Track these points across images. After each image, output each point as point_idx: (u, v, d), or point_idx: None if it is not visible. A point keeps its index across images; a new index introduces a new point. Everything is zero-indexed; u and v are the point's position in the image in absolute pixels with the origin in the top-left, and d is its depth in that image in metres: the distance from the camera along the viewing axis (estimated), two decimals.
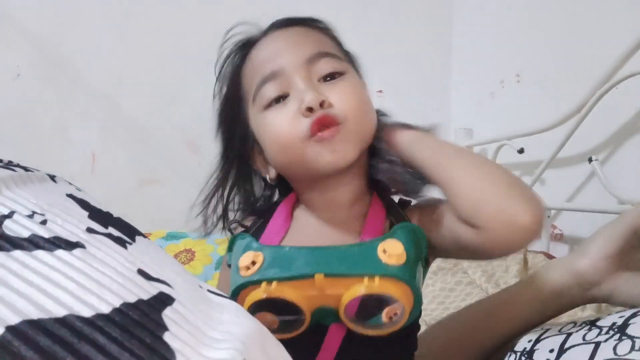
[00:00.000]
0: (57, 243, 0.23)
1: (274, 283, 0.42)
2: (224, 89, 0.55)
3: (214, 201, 0.56)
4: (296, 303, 0.42)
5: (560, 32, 1.05)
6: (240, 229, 0.55)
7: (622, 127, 0.86)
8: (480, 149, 1.30)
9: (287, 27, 0.52)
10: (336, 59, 0.49)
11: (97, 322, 0.20)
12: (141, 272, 0.24)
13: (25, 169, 0.30)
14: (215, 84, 0.56)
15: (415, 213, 0.51)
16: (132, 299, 0.22)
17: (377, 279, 0.40)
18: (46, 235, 0.23)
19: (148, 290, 0.23)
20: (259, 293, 0.42)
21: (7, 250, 0.21)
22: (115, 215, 0.30)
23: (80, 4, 1.22)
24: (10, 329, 0.18)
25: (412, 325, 0.47)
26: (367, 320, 0.42)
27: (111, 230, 0.27)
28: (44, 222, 0.24)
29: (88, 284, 0.21)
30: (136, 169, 1.26)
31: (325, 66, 0.48)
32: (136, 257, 0.25)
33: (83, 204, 0.29)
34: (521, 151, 1.03)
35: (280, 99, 0.48)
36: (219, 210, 0.56)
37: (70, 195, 0.29)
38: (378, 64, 1.39)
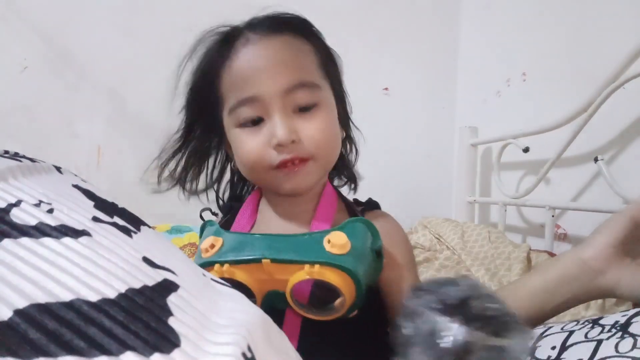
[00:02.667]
0: (64, 231, 0.23)
1: (226, 265, 0.45)
2: (197, 79, 0.57)
3: (172, 163, 0.61)
4: (247, 284, 0.45)
5: (567, 31, 1.04)
6: (214, 218, 0.61)
7: (629, 126, 0.85)
8: (485, 147, 1.30)
9: (269, 36, 0.52)
10: (312, 89, 0.51)
11: (103, 306, 0.20)
12: (146, 260, 0.24)
13: (32, 160, 0.31)
14: (183, 65, 0.57)
15: (375, 218, 0.55)
16: (137, 284, 0.22)
17: (317, 266, 0.43)
18: (53, 223, 0.23)
19: (153, 277, 0.23)
20: (212, 274, 0.45)
21: (15, 237, 0.22)
22: (120, 205, 0.30)
23: None
24: (18, 312, 0.19)
25: (369, 309, 0.49)
26: (318, 307, 0.45)
27: (116, 219, 0.27)
28: (50, 211, 0.24)
29: (94, 270, 0.21)
30: (141, 162, 1.26)
31: (302, 97, 0.51)
32: (141, 246, 0.25)
33: (88, 194, 0.29)
34: (526, 150, 1.02)
35: (255, 120, 0.52)
36: (177, 173, 0.61)
37: (76, 186, 0.29)
38: (384, 62, 1.39)
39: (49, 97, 1.20)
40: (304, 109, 0.51)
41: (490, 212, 1.31)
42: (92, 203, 0.28)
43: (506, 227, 1.11)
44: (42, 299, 0.19)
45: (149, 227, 0.29)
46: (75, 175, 0.33)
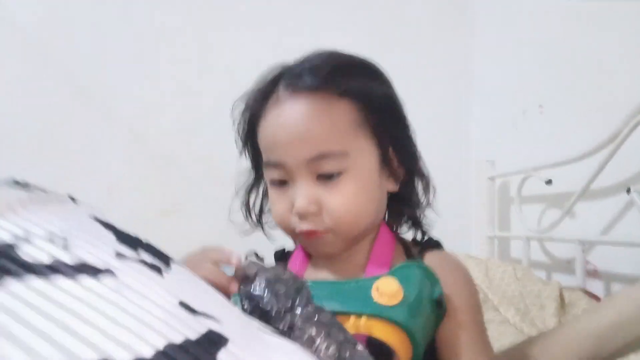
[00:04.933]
0: (83, 270, 0.19)
1: (363, 318, 0.40)
2: (243, 127, 0.55)
3: (251, 202, 0.59)
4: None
5: (584, 61, 1.03)
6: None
7: None
8: (501, 181, 1.26)
9: (298, 94, 0.48)
10: (337, 158, 0.48)
11: None
12: (184, 305, 0.20)
13: (44, 190, 0.27)
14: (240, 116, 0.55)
15: (435, 260, 0.50)
16: (177, 338, 0.18)
17: (364, 318, 0.38)
18: (69, 261, 0.19)
19: (194, 328, 0.19)
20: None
21: (23, 278, 0.18)
22: (144, 240, 0.26)
23: (113, 35, 1.24)
24: None
25: None
26: None
27: (143, 255, 0.23)
28: (65, 246, 0.21)
29: (123, 319, 0.17)
30: (157, 198, 1.24)
31: (325, 167, 0.48)
32: (175, 287, 0.21)
33: (109, 226, 0.25)
34: (549, 182, 0.99)
35: (282, 182, 0.50)
36: (255, 212, 0.59)
37: (94, 218, 0.26)
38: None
39: (70, 127, 1.20)
40: (327, 178, 0.48)
41: (510, 247, 1.26)
42: (114, 237, 0.24)
43: (530, 264, 1.06)
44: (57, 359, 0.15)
45: (179, 264, 0.26)
46: (93, 208, 0.29)
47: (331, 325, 0.33)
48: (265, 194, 0.59)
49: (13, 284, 0.17)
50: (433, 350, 0.45)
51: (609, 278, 0.94)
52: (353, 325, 0.38)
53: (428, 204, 0.56)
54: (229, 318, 0.22)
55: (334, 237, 0.49)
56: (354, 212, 0.48)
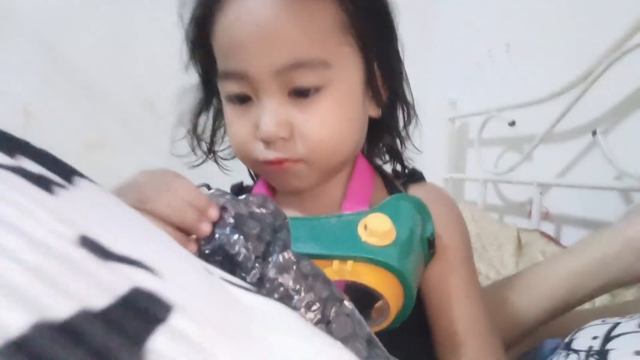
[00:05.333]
0: None
1: (350, 262, 0.33)
2: (191, 28, 0.43)
3: (199, 128, 0.49)
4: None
5: (555, 1, 0.99)
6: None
7: (627, 98, 0.80)
8: (463, 121, 1.24)
9: None
10: (317, 69, 0.38)
11: None
12: (87, 243, 0.12)
13: None
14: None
15: (423, 194, 0.42)
16: (63, 310, 0.10)
17: (350, 262, 0.32)
18: None
19: (107, 284, 0.11)
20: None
21: None
22: (36, 146, 0.17)
23: None
24: None
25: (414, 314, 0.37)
26: None
27: (23, 161, 0.14)
28: None
29: None
30: (81, 129, 1.09)
31: (298, 80, 0.38)
32: (76, 212, 0.13)
33: None
34: (512, 124, 0.96)
35: (242, 97, 0.40)
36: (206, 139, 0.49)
37: None
38: None
39: None
40: (301, 94, 0.38)
41: (464, 190, 1.26)
42: None
43: (486, 206, 1.06)
44: None
45: (90, 180, 0.17)
46: None
47: (314, 276, 0.26)
48: (217, 116, 0.49)
49: None
50: (418, 292, 0.41)
51: (560, 220, 0.95)
52: (337, 271, 0.32)
53: (408, 135, 0.50)
54: (177, 266, 0.14)
55: (307, 169, 0.40)
56: (333, 137, 0.39)
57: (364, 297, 0.32)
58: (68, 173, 0.16)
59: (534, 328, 0.48)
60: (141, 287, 0.12)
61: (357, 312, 0.25)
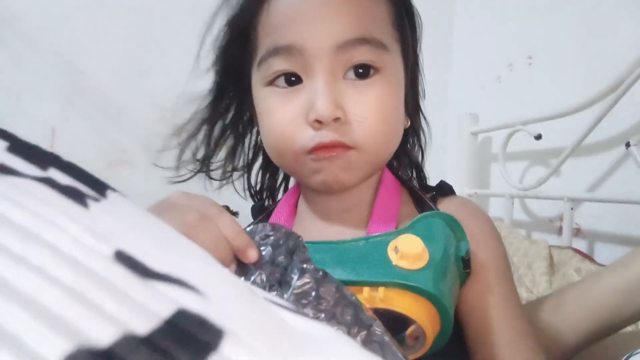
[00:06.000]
0: None
1: (381, 289, 0.31)
2: (229, 26, 0.43)
3: (196, 142, 0.46)
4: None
5: (578, 9, 0.96)
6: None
7: None
8: (485, 136, 1.21)
9: None
10: (377, 49, 0.37)
11: None
12: (124, 259, 0.11)
13: None
14: (217, 13, 0.43)
15: (454, 209, 0.41)
16: (103, 338, 0.08)
17: (381, 289, 0.29)
18: None
19: (148, 306, 0.10)
20: None
21: None
22: (64, 159, 0.16)
23: None
24: None
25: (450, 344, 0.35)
26: None
27: (54, 173, 0.14)
28: None
29: None
30: (102, 147, 1.10)
31: (360, 56, 0.36)
32: (110, 227, 0.12)
33: (2, 133, 0.15)
34: (539, 137, 0.94)
35: (290, 78, 0.37)
36: (200, 153, 0.47)
37: None
38: None
39: None
40: (360, 75, 0.36)
41: (489, 206, 1.22)
42: (5, 144, 0.14)
43: (511, 222, 1.03)
44: None
45: (124, 195, 0.16)
46: None
47: (336, 301, 0.24)
48: (226, 128, 0.46)
49: None
50: (455, 314, 0.38)
51: (592, 237, 0.91)
52: (368, 298, 0.29)
53: (424, 158, 0.49)
54: (221, 285, 0.12)
55: (358, 158, 0.37)
56: (388, 125, 0.37)
57: (397, 322, 0.30)
58: (101, 186, 0.14)
59: (575, 351, 0.44)
60: (187, 309, 0.10)
61: (387, 339, 0.23)
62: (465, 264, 0.35)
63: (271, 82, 0.39)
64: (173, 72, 1.11)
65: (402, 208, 0.42)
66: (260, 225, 0.30)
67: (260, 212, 0.49)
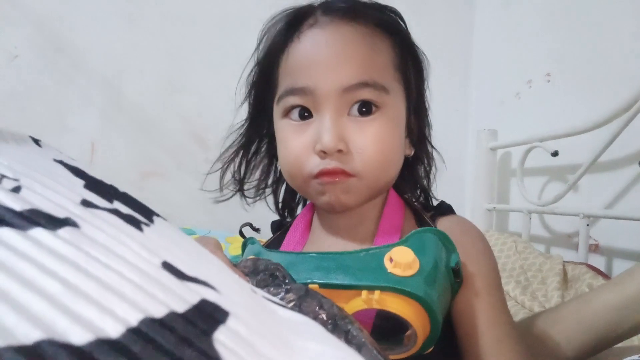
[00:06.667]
0: (35, 219, 0.14)
1: (377, 292, 0.36)
2: (258, 64, 0.49)
3: (234, 166, 0.53)
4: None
5: (595, 28, 0.98)
6: (256, 235, 0.53)
7: None
8: (502, 152, 1.23)
9: (341, 21, 0.44)
10: (378, 91, 0.43)
11: (98, 355, 0.11)
12: (168, 267, 0.15)
13: None
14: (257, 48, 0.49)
15: (449, 226, 0.45)
16: (158, 311, 0.13)
17: (377, 292, 0.34)
18: (19, 207, 0.15)
19: (183, 297, 0.14)
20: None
21: None
22: (120, 189, 0.21)
23: None
24: None
25: (445, 340, 0.39)
26: (386, 342, 0.36)
27: (118, 205, 0.18)
28: (17, 189, 0.16)
29: (82, 284, 0.13)
30: (138, 160, 1.17)
31: (362, 95, 0.42)
32: (158, 244, 0.16)
33: (77, 171, 0.20)
34: (555, 154, 0.95)
35: (304, 113, 0.44)
36: (239, 176, 0.53)
37: (59, 162, 0.21)
38: None
39: (40, 88, 1.12)
40: (362, 112, 0.42)
41: (508, 220, 1.23)
42: (81, 182, 0.19)
43: (530, 237, 1.04)
44: None
45: (163, 218, 0.21)
46: (60, 152, 0.24)
47: (317, 312, 0.28)
48: (254, 156, 0.53)
49: None
50: (450, 321, 0.42)
51: (610, 253, 0.92)
52: (366, 300, 0.34)
53: (429, 184, 0.53)
54: (230, 285, 0.17)
55: (357, 184, 0.43)
56: (385, 155, 0.43)
57: (394, 326, 0.34)
58: (149, 213, 0.19)
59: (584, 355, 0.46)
60: (207, 299, 0.15)
61: (364, 339, 0.26)
62: (456, 274, 0.39)
63: (287, 115, 0.45)
64: (201, 91, 1.19)
65: (405, 225, 0.46)
66: (243, 260, 0.37)
67: (279, 228, 0.54)
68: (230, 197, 0.54)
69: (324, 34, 0.43)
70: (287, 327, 0.17)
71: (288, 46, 0.45)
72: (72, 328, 0.11)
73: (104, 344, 0.12)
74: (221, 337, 0.14)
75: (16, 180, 0.16)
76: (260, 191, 0.54)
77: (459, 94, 1.38)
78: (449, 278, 0.38)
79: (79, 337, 0.11)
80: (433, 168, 0.53)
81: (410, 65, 0.47)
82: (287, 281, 0.31)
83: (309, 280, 0.36)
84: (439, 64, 1.33)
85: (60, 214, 0.15)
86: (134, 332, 0.12)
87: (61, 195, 0.16)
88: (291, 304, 0.27)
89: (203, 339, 0.13)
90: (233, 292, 0.16)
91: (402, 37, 0.47)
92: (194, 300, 0.14)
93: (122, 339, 0.12)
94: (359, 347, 0.24)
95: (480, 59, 1.37)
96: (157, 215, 0.20)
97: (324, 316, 0.26)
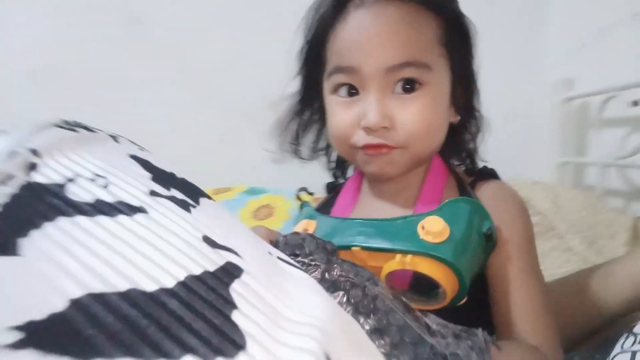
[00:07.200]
0: (120, 208, 0.21)
1: (409, 256, 0.41)
2: (307, 41, 0.53)
3: (290, 130, 0.58)
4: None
5: None
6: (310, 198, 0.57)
7: None
8: (582, 102, 1.15)
9: (384, 1, 0.46)
10: (421, 69, 0.45)
11: (161, 297, 0.18)
12: (206, 239, 0.21)
13: (88, 129, 0.29)
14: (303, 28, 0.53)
15: (487, 191, 0.49)
16: (197, 270, 0.19)
17: (409, 256, 0.39)
18: (109, 199, 0.21)
19: (214, 260, 0.20)
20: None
21: (71, 215, 0.20)
22: (179, 175, 0.28)
23: None
24: (74, 302, 0.17)
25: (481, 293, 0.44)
26: (420, 295, 0.41)
27: (174, 192, 0.24)
28: (106, 186, 0.23)
29: (151, 254, 0.19)
30: (216, 126, 1.28)
31: (405, 74, 0.45)
32: (201, 222, 0.23)
33: (146, 164, 0.27)
34: (635, 104, 0.89)
35: (350, 90, 0.47)
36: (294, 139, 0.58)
37: (132, 156, 0.27)
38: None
39: (126, 66, 1.24)
40: (406, 89, 0.45)
41: (586, 174, 1.17)
42: (149, 175, 0.26)
43: (605, 192, 0.99)
44: (98, 288, 0.17)
45: (208, 197, 0.27)
46: (133, 143, 0.31)
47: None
48: (307, 123, 0.57)
49: (64, 222, 0.20)
50: (484, 279, 0.45)
51: None
52: (399, 262, 0.39)
53: (476, 148, 0.55)
54: (250, 251, 0.23)
55: (402, 155, 0.47)
56: (428, 128, 0.46)
57: (428, 284, 0.40)
58: (197, 195, 0.26)
59: (619, 315, 0.48)
60: (231, 261, 0.21)
61: (381, 295, 0.30)
62: (488, 238, 0.43)
63: (335, 91, 0.49)
64: (276, 63, 1.24)
65: (446, 191, 0.49)
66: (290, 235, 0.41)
67: (333, 189, 0.59)
68: (288, 158, 0.59)
69: (369, 14, 0.46)
70: (289, 279, 0.23)
71: (335, 26, 0.48)
72: (145, 281, 0.18)
73: (164, 291, 0.18)
74: (236, 287, 0.20)
75: (105, 178, 0.23)
76: (313, 153, 0.59)
77: (532, 40, 1.29)
78: (480, 243, 0.42)
79: (150, 286, 0.18)
80: (480, 132, 0.54)
81: (456, 38, 0.49)
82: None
83: (352, 243, 0.42)
84: (509, 11, 1.26)
85: (135, 203, 0.22)
86: (181, 284, 0.19)
87: (135, 188, 0.23)
88: (317, 271, 0.32)
89: (223, 288, 0.19)
90: (250, 256, 0.22)
91: (449, 13, 0.48)
92: (221, 262, 0.21)
93: (174, 288, 0.18)
94: (373, 298, 0.29)
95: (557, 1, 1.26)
96: (203, 195, 0.27)
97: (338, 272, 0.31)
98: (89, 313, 0.16)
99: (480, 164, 0.56)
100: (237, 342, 0.17)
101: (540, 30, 1.29)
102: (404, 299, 0.33)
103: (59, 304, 0.17)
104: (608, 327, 0.49)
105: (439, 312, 0.40)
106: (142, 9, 1.23)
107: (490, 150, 1.24)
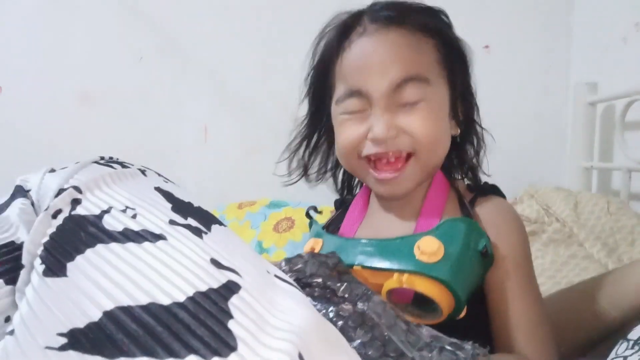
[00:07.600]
0: (145, 235, 0.26)
1: (406, 275, 0.44)
2: (314, 67, 0.57)
3: (299, 154, 0.61)
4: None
5: None
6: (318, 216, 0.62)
7: None
8: (606, 105, 1.14)
9: (387, 28, 0.50)
10: (421, 83, 0.49)
11: (173, 309, 0.22)
12: (213, 261, 0.26)
13: (122, 164, 0.34)
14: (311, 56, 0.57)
15: (486, 207, 0.51)
16: (203, 287, 0.24)
17: (406, 275, 0.43)
18: (136, 228, 0.26)
19: (218, 279, 0.25)
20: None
21: (106, 242, 0.25)
22: (195, 204, 0.33)
23: None
24: (106, 314, 0.22)
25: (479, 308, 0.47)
26: (420, 311, 0.44)
27: (190, 220, 0.29)
28: (134, 216, 0.28)
29: (168, 273, 0.24)
30: (243, 139, 1.34)
31: (409, 92, 0.48)
32: (210, 247, 0.27)
33: (168, 196, 0.32)
34: None
35: (359, 111, 0.51)
36: (304, 162, 0.61)
37: (157, 189, 0.32)
38: (484, 14, 1.27)
39: (161, 83, 1.32)
40: (409, 104, 0.49)
41: (612, 179, 1.16)
42: (170, 205, 0.31)
43: (631, 197, 0.98)
44: (125, 301, 0.22)
45: (220, 223, 0.32)
46: (159, 176, 0.36)
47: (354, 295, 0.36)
48: (315, 146, 0.61)
49: (101, 248, 0.25)
50: (483, 295, 0.48)
51: None
52: (397, 280, 0.43)
53: (478, 162, 0.57)
54: (250, 271, 0.27)
55: (415, 166, 0.50)
56: (434, 135, 0.49)
57: (428, 300, 0.43)
58: (210, 223, 0.30)
59: (622, 324, 0.49)
60: (232, 279, 0.26)
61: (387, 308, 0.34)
62: (484, 255, 0.45)
63: (344, 112, 0.52)
64: (290, 71, 1.29)
65: (448, 205, 0.52)
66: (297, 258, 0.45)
67: (341, 205, 0.63)
68: (296, 181, 0.62)
69: (372, 41, 0.50)
70: (280, 293, 0.27)
71: (340, 54, 0.52)
72: (162, 296, 0.22)
73: (176, 304, 0.23)
74: (234, 301, 0.24)
75: (133, 209, 0.28)
76: (321, 175, 0.63)
77: (557, 43, 1.28)
78: (477, 260, 0.45)
79: (165, 300, 0.22)
80: (481, 149, 0.57)
81: (453, 59, 0.52)
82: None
83: (354, 263, 0.46)
84: (535, 16, 1.25)
85: (157, 231, 0.26)
86: (190, 299, 0.23)
87: (158, 218, 0.28)
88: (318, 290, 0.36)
89: (223, 301, 0.24)
90: (249, 274, 0.27)
91: (445, 37, 0.51)
92: (224, 280, 0.25)
93: (184, 302, 0.23)
94: (361, 314, 0.32)
95: (583, 2, 1.25)
96: (216, 222, 0.31)
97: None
98: (117, 322, 0.21)
99: (483, 178, 0.58)
100: (230, 345, 0.22)
101: (564, 34, 1.28)
102: (401, 314, 0.36)
103: (94, 315, 0.22)
104: (614, 335, 0.51)
105: (441, 324, 0.43)
106: (178, 30, 1.31)
107: (514, 154, 1.25)
